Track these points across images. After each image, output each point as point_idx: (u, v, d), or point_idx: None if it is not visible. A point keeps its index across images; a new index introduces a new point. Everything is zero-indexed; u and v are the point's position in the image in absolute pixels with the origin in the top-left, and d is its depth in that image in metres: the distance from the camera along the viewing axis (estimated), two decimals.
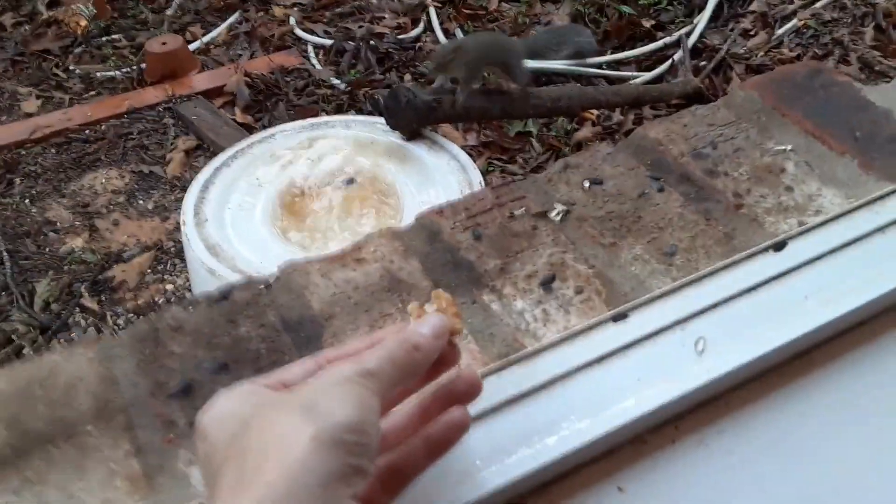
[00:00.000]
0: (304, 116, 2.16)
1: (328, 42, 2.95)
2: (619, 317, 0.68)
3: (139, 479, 0.58)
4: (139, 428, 0.61)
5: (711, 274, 0.71)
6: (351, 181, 1.76)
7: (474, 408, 0.62)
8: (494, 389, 0.63)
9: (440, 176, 1.74)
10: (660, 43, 2.72)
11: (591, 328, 0.67)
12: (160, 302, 2.24)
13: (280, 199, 1.71)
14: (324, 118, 1.95)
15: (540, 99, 2.05)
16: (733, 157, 0.85)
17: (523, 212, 0.79)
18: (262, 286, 0.72)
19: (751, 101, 0.91)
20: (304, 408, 0.44)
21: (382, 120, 1.88)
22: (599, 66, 2.71)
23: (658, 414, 0.62)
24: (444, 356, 0.53)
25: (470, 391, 0.54)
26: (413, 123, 1.79)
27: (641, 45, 2.75)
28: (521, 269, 0.74)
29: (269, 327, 0.69)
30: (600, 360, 0.65)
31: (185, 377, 0.64)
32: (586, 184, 0.81)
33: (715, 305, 0.68)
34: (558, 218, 0.78)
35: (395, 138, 1.83)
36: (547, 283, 0.72)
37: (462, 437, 0.54)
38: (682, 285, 0.70)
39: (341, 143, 1.83)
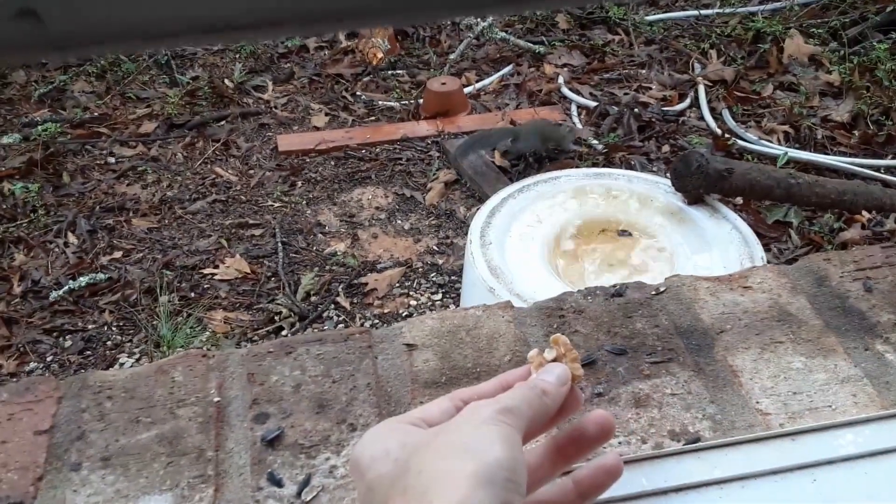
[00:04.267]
0: (558, 169, 2.24)
1: (592, 104, 3.05)
2: None
3: None
4: None
5: None
6: (626, 232, 1.80)
7: (856, 447, 0.61)
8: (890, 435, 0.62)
9: (718, 244, 1.74)
10: None
11: None
12: (402, 314, 2.39)
13: (557, 238, 1.78)
14: (607, 170, 2.01)
15: (825, 189, 1.99)
16: None
17: None
18: (653, 291, 0.77)
19: None
20: (460, 448, 0.46)
21: (664, 179, 1.91)
22: (878, 168, 2.58)
23: None
24: (567, 402, 0.54)
25: (601, 432, 0.54)
26: (699, 189, 1.80)
27: None
28: None
29: (662, 328, 0.73)
30: None
31: (589, 353, 0.69)
32: None
33: None
34: None
35: (675, 200, 1.85)
36: None
37: (613, 483, 0.53)
38: None
39: (622, 196, 1.88)
